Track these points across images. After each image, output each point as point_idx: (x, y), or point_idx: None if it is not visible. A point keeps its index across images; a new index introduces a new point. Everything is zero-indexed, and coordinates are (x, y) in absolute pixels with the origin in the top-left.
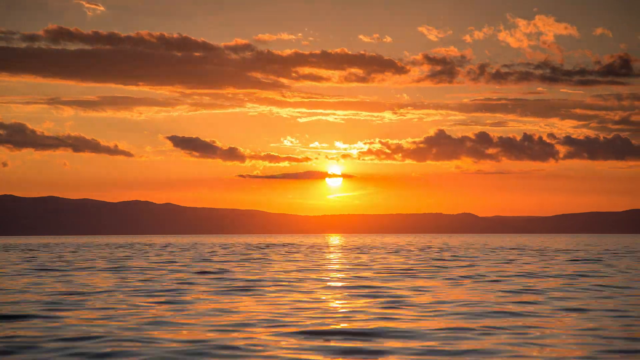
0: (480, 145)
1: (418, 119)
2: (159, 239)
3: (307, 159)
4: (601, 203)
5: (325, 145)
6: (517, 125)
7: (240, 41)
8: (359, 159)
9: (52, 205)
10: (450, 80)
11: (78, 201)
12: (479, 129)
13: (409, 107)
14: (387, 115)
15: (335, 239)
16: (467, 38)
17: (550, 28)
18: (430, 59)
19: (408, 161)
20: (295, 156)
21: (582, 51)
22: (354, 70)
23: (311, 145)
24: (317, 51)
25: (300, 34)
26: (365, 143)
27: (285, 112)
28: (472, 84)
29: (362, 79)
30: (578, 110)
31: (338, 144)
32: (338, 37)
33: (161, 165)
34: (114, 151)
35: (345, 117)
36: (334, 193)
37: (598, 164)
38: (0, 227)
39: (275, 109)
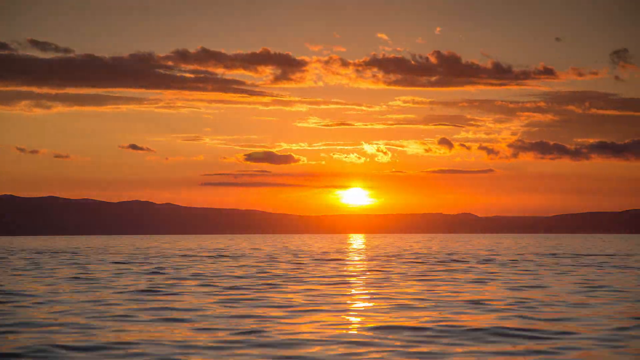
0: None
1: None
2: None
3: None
4: (601, 203)
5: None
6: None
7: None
8: (354, 158)
9: (52, 205)
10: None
11: (78, 201)
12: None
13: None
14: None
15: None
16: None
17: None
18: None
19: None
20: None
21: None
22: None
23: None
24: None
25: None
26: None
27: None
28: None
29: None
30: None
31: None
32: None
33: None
34: None
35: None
36: (334, 193)
37: (609, 164)
38: None
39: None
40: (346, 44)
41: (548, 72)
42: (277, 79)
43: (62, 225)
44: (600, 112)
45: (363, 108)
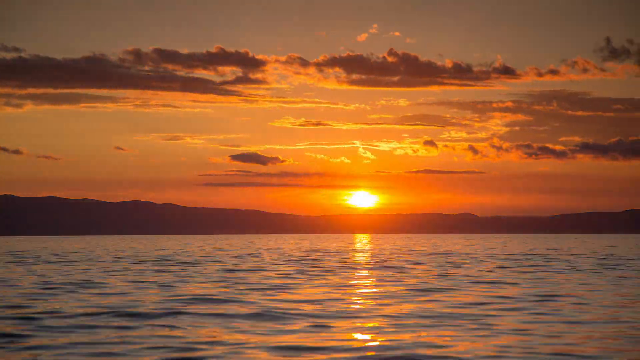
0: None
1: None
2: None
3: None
4: (601, 203)
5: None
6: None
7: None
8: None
9: (52, 205)
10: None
11: (78, 201)
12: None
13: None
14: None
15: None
16: None
17: None
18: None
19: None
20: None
21: None
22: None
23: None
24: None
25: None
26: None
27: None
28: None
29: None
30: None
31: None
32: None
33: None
34: None
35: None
36: (334, 193)
37: (599, 164)
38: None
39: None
40: (288, 44)
41: (508, 71)
42: (239, 78)
43: (61, 225)
44: (570, 112)
45: (341, 107)
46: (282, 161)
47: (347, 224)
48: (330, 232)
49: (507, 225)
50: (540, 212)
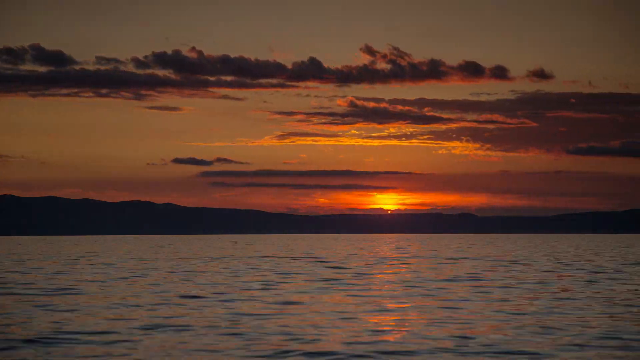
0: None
1: None
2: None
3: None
4: (601, 203)
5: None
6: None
7: None
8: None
9: (52, 205)
10: None
11: (78, 201)
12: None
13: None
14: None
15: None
16: None
17: None
18: None
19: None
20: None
21: None
22: None
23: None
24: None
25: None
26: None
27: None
28: None
29: None
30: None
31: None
32: None
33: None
34: None
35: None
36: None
37: (599, 164)
38: None
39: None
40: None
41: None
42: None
43: (61, 225)
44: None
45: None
46: (249, 162)
47: (345, 224)
48: (329, 232)
49: (506, 226)
50: (541, 212)
